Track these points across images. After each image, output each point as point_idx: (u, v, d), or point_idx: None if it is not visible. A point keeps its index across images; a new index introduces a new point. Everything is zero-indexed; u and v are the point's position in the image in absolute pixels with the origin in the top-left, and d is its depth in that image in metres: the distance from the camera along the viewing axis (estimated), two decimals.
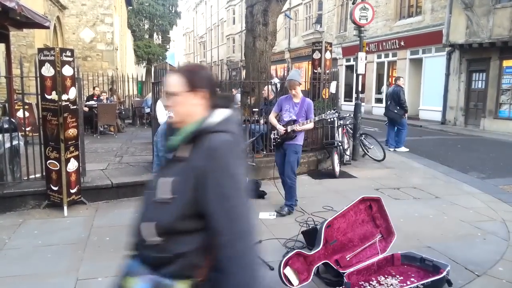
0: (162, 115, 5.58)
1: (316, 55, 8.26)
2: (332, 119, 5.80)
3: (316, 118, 5.40)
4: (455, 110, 16.77)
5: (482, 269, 3.75)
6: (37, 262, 3.84)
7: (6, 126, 5.38)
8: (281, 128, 5.35)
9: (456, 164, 8.72)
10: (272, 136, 5.59)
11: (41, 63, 5.05)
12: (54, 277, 3.55)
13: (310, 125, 5.38)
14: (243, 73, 9.38)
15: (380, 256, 3.61)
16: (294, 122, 5.31)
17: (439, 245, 4.28)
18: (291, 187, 5.33)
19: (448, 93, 17.09)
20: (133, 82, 16.67)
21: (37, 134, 5.84)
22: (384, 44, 20.78)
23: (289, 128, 5.30)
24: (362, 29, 9.02)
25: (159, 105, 5.66)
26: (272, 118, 5.61)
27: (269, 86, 7.67)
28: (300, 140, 5.42)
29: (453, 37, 15.75)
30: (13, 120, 5.68)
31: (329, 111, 5.48)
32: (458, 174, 7.82)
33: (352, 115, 9.25)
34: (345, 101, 23.86)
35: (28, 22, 6.09)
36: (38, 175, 5.66)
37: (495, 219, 5.19)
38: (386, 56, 21.28)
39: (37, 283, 3.45)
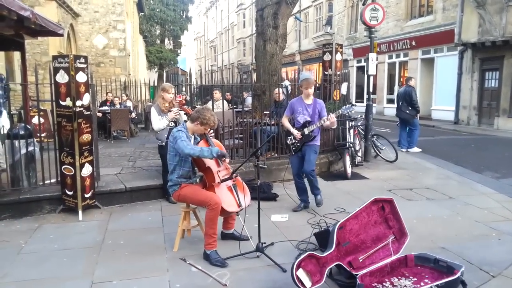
0: (157, 122, 5.59)
1: (327, 57, 8.26)
2: (349, 113, 5.78)
3: (334, 115, 5.36)
4: (468, 109, 16.58)
5: (498, 269, 3.71)
6: (53, 266, 3.90)
7: (22, 132, 5.48)
8: (297, 134, 5.37)
9: (470, 164, 8.62)
10: (288, 141, 5.54)
11: (56, 70, 5.15)
12: (69, 280, 3.60)
13: (333, 119, 5.29)
14: (254, 76, 9.42)
15: (393, 257, 3.59)
16: (309, 123, 5.34)
17: (453, 246, 4.24)
18: (313, 180, 5.50)
19: (461, 93, 16.91)
20: (145, 87, 16.83)
21: (52, 140, 5.93)
22: (395, 44, 20.65)
23: (306, 131, 5.33)
24: (373, 30, 8.98)
25: (153, 112, 5.65)
26: (286, 122, 5.61)
27: (280, 89, 7.69)
28: (318, 140, 5.54)
29: (465, 36, 15.60)
30: (29, 127, 5.78)
31: (344, 106, 5.48)
32: (472, 174, 7.73)
33: (363, 116, 9.21)
34: (356, 102, 23.69)
35: (42, 30, 6.20)
36: (53, 180, 5.76)
37: (510, 219, 5.12)
38: (398, 56, 21.14)
39: (53, 287, 3.51)
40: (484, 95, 16.04)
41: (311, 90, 5.38)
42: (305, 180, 5.62)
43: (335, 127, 6.00)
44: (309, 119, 5.36)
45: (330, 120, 5.24)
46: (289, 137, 5.52)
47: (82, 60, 5.23)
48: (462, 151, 10.48)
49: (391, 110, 19.08)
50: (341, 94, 8.41)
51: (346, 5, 24.96)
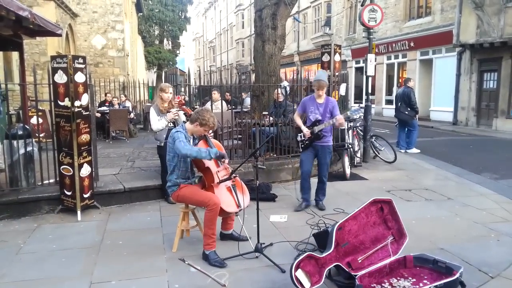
0: (156, 122, 5.57)
1: (325, 58, 8.25)
2: (360, 117, 5.76)
3: (342, 116, 5.32)
4: (467, 110, 16.61)
5: (496, 270, 3.72)
6: (51, 266, 3.90)
7: (20, 132, 5.47)
8: (306, 132, 5.42)
9: (468, 165, 8.63)
10: (298, 138, 5.64)
11: (54, 70, 5.14)
12: (68, 281, 3.59)
13: (341, 120, 5.28)
14: (253, 76, 9.42)
15: (392, 258, 3.59)
16: (319, 122, 5.39)
17: (452, 247, 4.24)
18: (325, 183, 5.69)
19: (459, 94, 16.94)
20: (144, 87, 16.82)
21: (51, 140, 5.93)
22: (393, 45, 20.68)
23: (316, 130, 5.37)
24: (371, 31, 8.99)
25: (152, 112, 5.63)
26: (297, 119, 5.68)
27: (279, 89, 7.69)
28: (331, 140, 5.62)
29: (463, 37, 15.62)
30: (27, 127, 5.77)
31: (353, 108, 5.49)
32: (470, 175, 7.74)
33: (362, 117, 9.21)
34: (355, 103, 23.70)
35: (40, 30, 6.19)
36: (52, 181, 5.75)
37: (509, 220, 5.13)
38: (396, 57, 21.17)
39: (52, 287, 3.51)
40: (482, 96, 16.07)
41: (321, 92, 5.43)
42: (311, 179, 5.69)
43: (344, 127, 6.03)
44: (319, 118, 5.42)
45: (338, 121, 5.28)
46: (299, 134, 5.60)
47: (81, 60, 5.23)
48: (460, 152, 10.50)
49: (389, 111, 19.11)
50: (340, 95, 8.41)
51: (345, 6, 24.99)
